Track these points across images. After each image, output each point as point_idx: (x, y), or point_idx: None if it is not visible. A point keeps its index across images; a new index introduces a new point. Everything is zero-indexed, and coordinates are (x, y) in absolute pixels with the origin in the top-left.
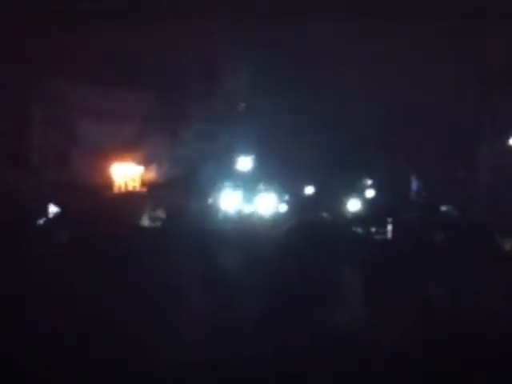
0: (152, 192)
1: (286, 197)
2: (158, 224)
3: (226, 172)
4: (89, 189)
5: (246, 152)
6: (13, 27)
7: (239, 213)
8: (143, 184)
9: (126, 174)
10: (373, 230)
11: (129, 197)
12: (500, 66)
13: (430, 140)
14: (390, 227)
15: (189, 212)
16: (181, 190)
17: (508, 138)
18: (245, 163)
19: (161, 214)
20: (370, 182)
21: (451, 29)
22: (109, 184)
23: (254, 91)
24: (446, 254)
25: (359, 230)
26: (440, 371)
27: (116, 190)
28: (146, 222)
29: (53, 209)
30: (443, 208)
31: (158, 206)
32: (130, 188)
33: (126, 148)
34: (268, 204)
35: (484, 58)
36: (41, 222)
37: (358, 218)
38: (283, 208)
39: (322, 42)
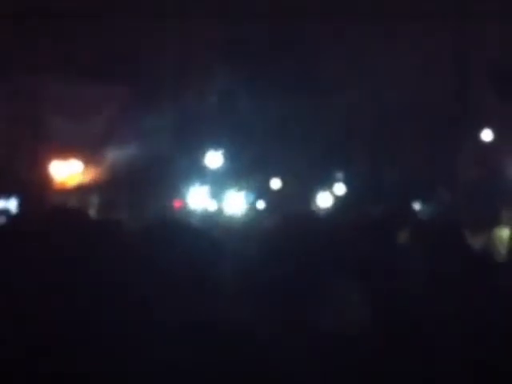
0: (99, 188)
1: (254, 194)
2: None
3: (194, 168)
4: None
5: (215, 147)
6: None
7: (206, 211)
8: (87, 181)
9: (67, 171)
10: None
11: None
12: (482, 62)
13: (412, 133)
14: None
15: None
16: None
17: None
18: (214, 159)
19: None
20: (340, 174)
21: (434, 26)
22: (50, 182)
23: (228, 84)
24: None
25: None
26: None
27: (57, 187)
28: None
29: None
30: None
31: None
32: (72, 184)
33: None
34: (237, 201)
35: (466, 54)
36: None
37: None
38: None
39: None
